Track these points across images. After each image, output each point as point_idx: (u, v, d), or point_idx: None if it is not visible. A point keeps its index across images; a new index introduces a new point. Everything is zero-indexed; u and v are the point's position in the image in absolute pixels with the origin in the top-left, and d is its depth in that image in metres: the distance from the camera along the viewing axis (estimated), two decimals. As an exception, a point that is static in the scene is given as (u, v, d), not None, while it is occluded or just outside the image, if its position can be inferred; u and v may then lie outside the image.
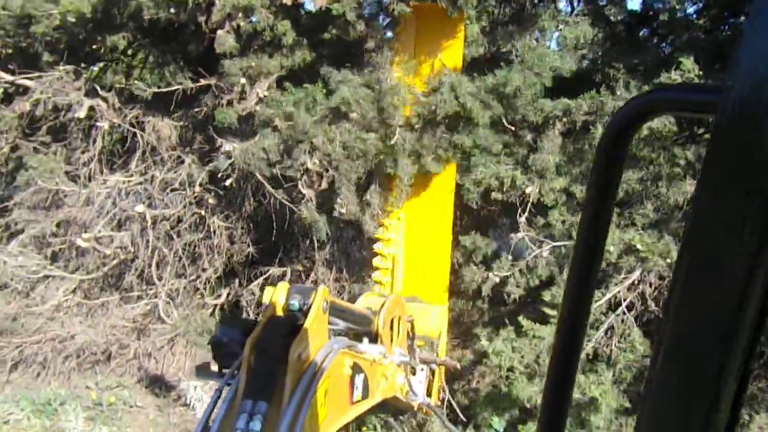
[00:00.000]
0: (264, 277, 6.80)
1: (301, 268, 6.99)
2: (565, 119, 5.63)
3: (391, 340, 3.75)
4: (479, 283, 5.92)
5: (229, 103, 6.02)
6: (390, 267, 6.19)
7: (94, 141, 6.88)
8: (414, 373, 4.61)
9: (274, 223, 7.02)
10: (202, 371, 2.62)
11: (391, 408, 4.53)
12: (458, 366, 5.70)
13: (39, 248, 7.46)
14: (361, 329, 3.35)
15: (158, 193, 6.94)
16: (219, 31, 5.92)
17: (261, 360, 2.16)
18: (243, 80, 5.82)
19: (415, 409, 4.59)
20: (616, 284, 5.30)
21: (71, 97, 6.48)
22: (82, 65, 6.94)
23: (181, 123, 6.92)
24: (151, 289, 7.38)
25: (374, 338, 3.44)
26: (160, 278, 7.03)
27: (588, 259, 0.94)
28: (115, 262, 7.29)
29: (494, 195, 5.78)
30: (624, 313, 5.43)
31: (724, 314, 0.64)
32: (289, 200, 6.47)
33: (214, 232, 6.93)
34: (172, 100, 6.75)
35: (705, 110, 0.77)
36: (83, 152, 6.97)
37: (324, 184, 6.13)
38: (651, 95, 0.93)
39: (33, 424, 6.27)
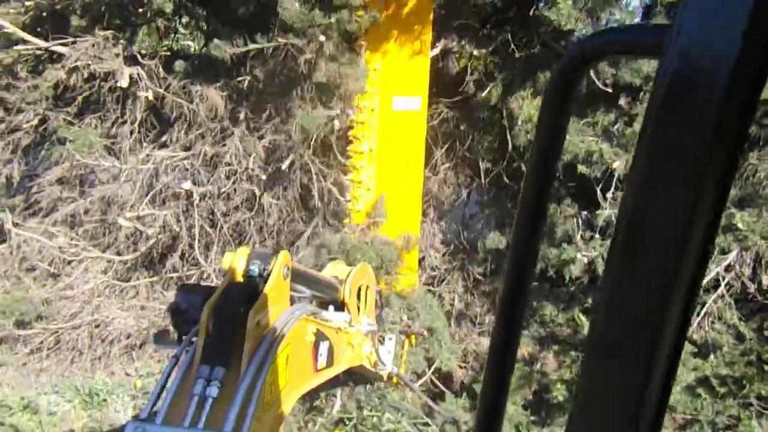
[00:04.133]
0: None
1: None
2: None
3: (359, 309, 3.70)
4: (559, 262, 5.62)
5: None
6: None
7: (132, 112, 6.40)
8: (382, 343, 4.58)
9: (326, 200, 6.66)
10: (160, 339, 2.54)
11: (360, 377, 4.57)
12: (425, 333, 5.56)
13: (70, 227, 6.99)
14: (326, 297, 3.30)
15: (204, 168, 6.49)
16: (282, -7, 5.45)
17: (219, 326, 2.11)
18: (322, 37, 5.35)
19: (385, 379, 4.57)
20: (714, 264, 5.06)
21: (111, 65, 5.97)
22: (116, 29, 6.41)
23: (226, 93, 6.45)
24: (192, 270, 6.97)
25: (340, 306, 3.39)
26: (206, 258, 6.61)
27: (535, 213, 0.91)
28: (152, 242, 6.85)
29: (580, 168, 5.46)
30: (722, 296, 5.22)
31: (661, 271, 0.63)
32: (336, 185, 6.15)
33: (264, 210, 6.51)
34: (219, 68, 6.28)
35: (650, 52, 0.73)
36: (120, 125, 6.48)
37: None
38: (596, 39, 0.89)
39: (80, 416, 5.87)
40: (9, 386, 6.14)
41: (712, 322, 5.81)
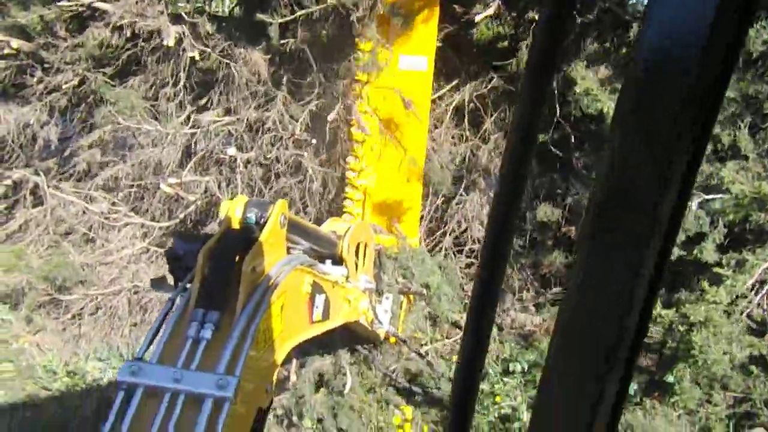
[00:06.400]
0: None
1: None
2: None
3: (357, 267, 3.74)
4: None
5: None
6: (361, 198, 5.95)
7: (174, 74, 6.20)
8: (380, 302, 4.63)
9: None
10: (157, 284, 2.59)
11: (357, 336, 4.65)
12: (424, 292, 5.48)
13: (106, 191, 6.84)
14: (324, 251, 3.31)
15: (246, 133, 6.32)
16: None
17: (214, 270, 2.14)
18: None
19: (382, 338, 4.67)
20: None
21: (156, 23, 5.76)
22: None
23: (269, 56, 6.24)
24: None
25: (339, 262, 3.42)
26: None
27: (515, 180, 0.83)
28: (191, 208, 6.71)
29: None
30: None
31: (634, 244, 0.65)
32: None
33: (309, 176, 6.33)
34: (261, 30, 6.06)
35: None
36: (162, 86, 6.28)
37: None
38: None
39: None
40: (51, 352, 6.05)
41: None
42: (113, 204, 6.61)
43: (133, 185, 6.76)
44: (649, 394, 5.66)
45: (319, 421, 5.26)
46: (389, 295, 4.90)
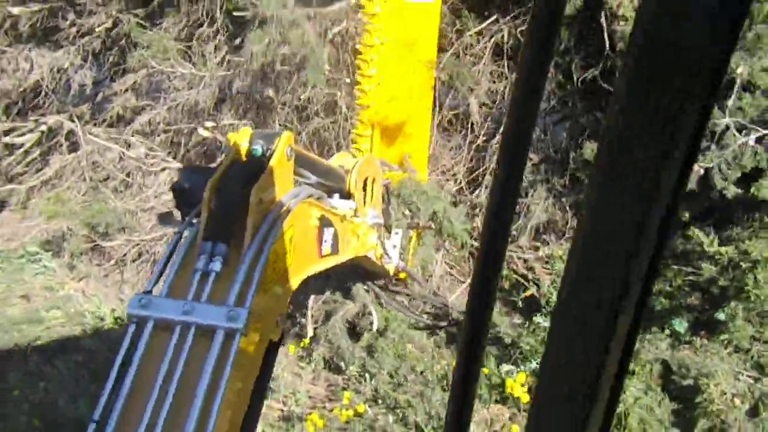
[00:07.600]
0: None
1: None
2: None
3: (364, 202, 3.72)
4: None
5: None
6: (369, 134, 5.77)
7: (210, 14, 6.02)
8: (388, 237, 4.61)
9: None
10: (164, 219, 2.57)
11: (366, 272, 4.67)
12: (432, 226, 5.39)
13: (142, 136, 6.77)
14: (332, 185, 3.29)
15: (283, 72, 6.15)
16: None
17: (221, 203, 2.12)
18: None
19: (391, 273, 4.61)
20: None
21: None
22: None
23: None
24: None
25: (347, 196, 3.43)
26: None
27: (521, 132, 0.81)
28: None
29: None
30: None
31: (630, 223, 0.65)
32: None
33: (344, 114, 6.20)
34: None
35: None
36: (195, 26, 6.12)
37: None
38: None
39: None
40: (95, 297, 6.10)
41: None
42: (150, 149, 6.53)
43: (169, 129, 6.69)
44: (696, 332, 5.57)
45: (363, 366, 5.28)
46: (398, 230, 4.87)
